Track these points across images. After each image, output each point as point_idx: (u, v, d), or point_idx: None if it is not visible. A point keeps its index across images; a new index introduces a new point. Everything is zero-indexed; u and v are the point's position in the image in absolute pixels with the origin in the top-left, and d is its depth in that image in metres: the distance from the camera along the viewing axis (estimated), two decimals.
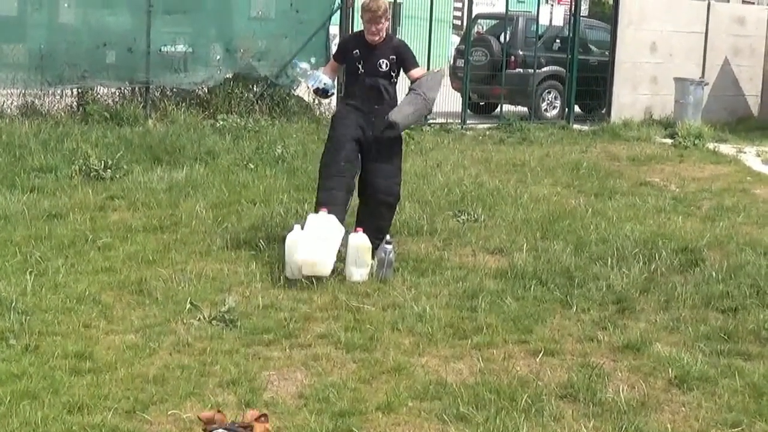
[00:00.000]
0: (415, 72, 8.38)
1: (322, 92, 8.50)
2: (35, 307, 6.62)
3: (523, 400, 5.47)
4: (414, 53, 8.57)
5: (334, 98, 11.89)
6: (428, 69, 16.06)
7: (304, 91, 16.77)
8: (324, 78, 8.42)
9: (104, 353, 5.95)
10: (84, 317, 6.53)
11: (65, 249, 8.08)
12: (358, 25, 15.72)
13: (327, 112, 15.64)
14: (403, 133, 8.58)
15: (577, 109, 19.98)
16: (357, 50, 8.30)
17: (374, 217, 8.27)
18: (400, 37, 8.66)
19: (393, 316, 6.83)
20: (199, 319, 6.58)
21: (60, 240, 8.28)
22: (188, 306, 6.79)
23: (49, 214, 9.08)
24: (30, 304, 6.65)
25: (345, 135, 8.20)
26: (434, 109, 17.25)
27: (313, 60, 15.85)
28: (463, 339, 6.48)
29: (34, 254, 7.76)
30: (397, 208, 8.70)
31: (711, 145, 16.38)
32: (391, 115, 8.06)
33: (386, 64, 8.22)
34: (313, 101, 16.77)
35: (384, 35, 8.29)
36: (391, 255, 7.77)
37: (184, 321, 6.55)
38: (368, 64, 8.25)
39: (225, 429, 3.96)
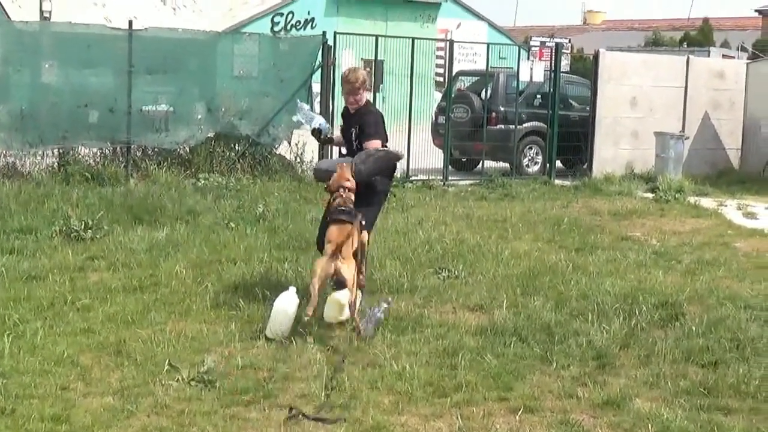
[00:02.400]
0: (369, 143, 8.24)
1: (317, 132, 8.74)
2: (12, 369, 6.57)
3: None
4: (377, 124, 8.40)
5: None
6: (409, 131, 16.27)
7: (285, 150, 16.88)
8: (319, 119, 8.75)
9: (81, 416, 5.89)
10: (62, 379, 6.48)
11: (44, 311, 8.05)
12: (339, 83, 15.92)
13: (309, 171, 15.63)
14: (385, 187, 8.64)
15: (558, 164, 20.11)
16: (342, 121, 8.55)
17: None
18: (375, 107, 8.66)
19: (373, 374, 6.79)
20: (178, 380, 6.53)
21: (39, 301, 8.25)
22: (167, 367, 6.74)
23: (28, 276, 9.07)
24: (7, 367, 6.60)
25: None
26: (417, 166, 17.64)
27: (294, 118, 15.93)
28: (442, 397, 6.44)
29: (13, 316, 7.72)
30: (377, 265, 8.63)
31: (692, 199, 16.51)
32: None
33: (355, 133, 8.37)
34: (295, 159, 16.87)
35: (362, 105, 8.43)
36: (379, 313, 7.78)
37: (163, 382, 6.50)
38: (347, 133, 8.46)
39: None
